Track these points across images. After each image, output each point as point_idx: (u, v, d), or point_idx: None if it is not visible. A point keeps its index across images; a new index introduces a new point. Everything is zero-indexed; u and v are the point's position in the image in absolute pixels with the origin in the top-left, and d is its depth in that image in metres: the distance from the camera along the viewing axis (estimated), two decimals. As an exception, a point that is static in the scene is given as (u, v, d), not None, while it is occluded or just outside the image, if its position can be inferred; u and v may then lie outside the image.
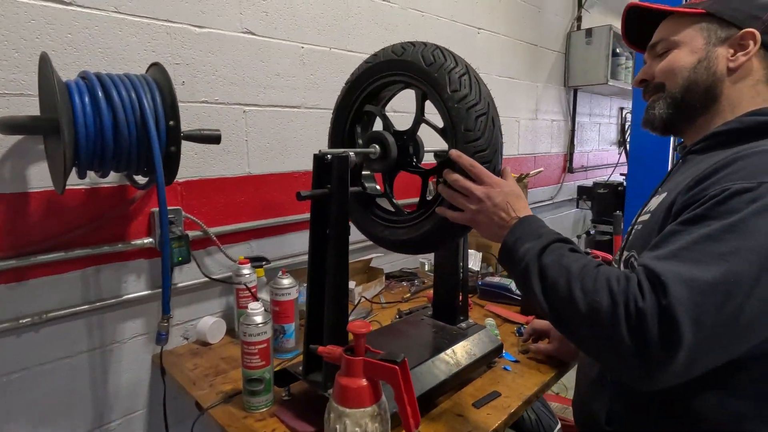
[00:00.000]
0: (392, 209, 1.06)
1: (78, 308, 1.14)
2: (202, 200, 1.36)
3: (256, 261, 1.43)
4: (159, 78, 0.99)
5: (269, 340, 1.00)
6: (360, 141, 1.07)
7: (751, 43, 0.80)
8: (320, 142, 1.63)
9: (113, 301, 1.20)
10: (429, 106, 0.93)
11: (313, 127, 1.61)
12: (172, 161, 0.99)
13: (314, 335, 0.95)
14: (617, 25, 3.13)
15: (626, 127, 3.79)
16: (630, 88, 3.07)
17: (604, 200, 2.88)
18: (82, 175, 0.97)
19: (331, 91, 1.64)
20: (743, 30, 0.80)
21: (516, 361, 1.22)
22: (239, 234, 1.45)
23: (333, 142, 1.10)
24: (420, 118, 0.96)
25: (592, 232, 2.97)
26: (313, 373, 0.97)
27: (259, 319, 0.98)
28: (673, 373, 0.59)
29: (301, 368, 0.98)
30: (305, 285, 1.47)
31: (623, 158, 3.53)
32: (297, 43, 1.53)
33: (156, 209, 1.24)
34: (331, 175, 0.88)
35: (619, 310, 0.61)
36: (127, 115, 0.91)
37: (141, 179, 1.13)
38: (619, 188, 2.82)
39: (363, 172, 1.09)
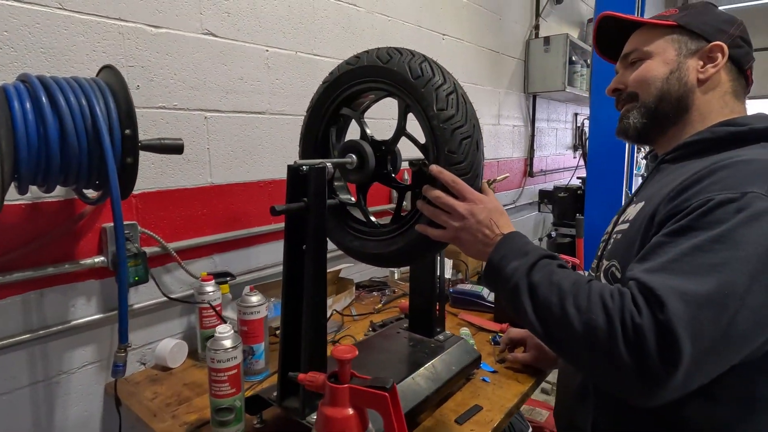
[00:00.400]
0: (363, 219, 1.01)
1: (18, 338, 1.02)
2: (160, 213, 1.26)
3: (221, 277, 1.35)
4: (112, 82, 0.90)
5: (240, 365, 0.93)
6: (334, 147, 1.02)
7: (720, 55, 0.82)
8: (287, 150, 1.56)
9: (59, 327, 1.09)
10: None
11: (279, 133, 1.54)
12: (128, 174, 0.90)
13: (290, 359, 0.89)
14: (573, 34, 3.25)
15: (582, 132, 3.94)
16: (585, 94, 3.19)
17: (564, 204, 2.96)
18: (23, 191, 0.87)
19: (297, 97, 1.58)
20: (712, 43, 0.83)
21: (494, 372, 1.21)
22: (202, 248, 1.36)
23: (305, 146, 1.04)
24: (402, 130, 0.92)
25: (554, 234, 3.05)
26: (289, 398, 0.91)
27: (228, 343, 0.91)
28: (673, 389, 0.59)
29: (275, 393, 0.92)
30: (274, 300, 1.42)
31: (580, 162, 3.66)
32: (261, 45, 1.46)
33: (108, 224, 1.14)
34: (307, 187, 0.82)
35: (615, 327, 0.60)
36: (76, 123, 0.82)
37: (92, 193, 1.03)
38: (579, 192, 2.91)
39: (336, 183, 1.04)
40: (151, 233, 1.23)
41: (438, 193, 0.81)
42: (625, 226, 0.83)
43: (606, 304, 0.62)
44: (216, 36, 1.34)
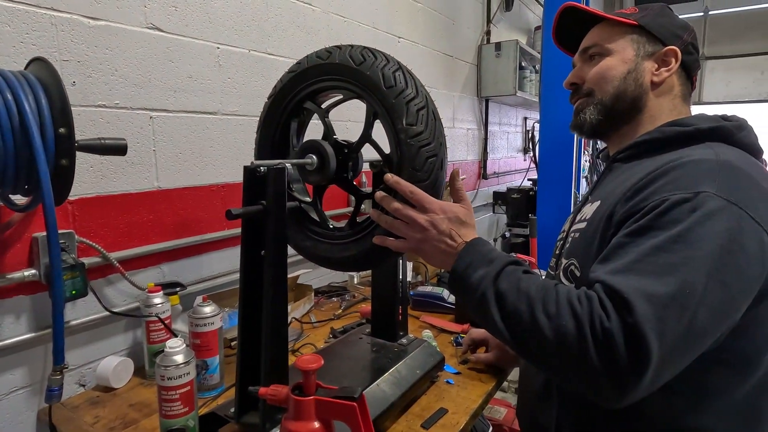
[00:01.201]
0: (317, 220, 0.98)
1: (-68, 363, 0.91)
2: (100, 221, 1.16)
3: (170, 287, 1.26)
4: (44, 76, 0.81)
5: (193, 381, 0.86)
6: (294, 139, 0.98)
7: (673, 60, 0.86)
8: (241, 152, 1.49)
9: (-17, 349, 0.97)
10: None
11: (232, 135, 1.47)
12: (63, 177, 0.82)
13: (249, 372, 0.84)
14: (522, 40, 3.36)
15: (531, 135, 4.08)
16: (535, 99, 3.31)
17: (517, 205, 3.05)
18: (-65, 196, 0.77)
19: (251, 97, 1.51)
20: (667, 47, 0.86)
21: (457, 373, 1.20)
22: (148, 257, 1.27)
23: (262, 135, 0.99)
24: (368, 137, 0.89)
25: (508, 234, 3.13)
26: (248, 414, 0.86)
27: (180, 358, 0.85)
28: (643, 388, 0.60)
29: (232, 409, 0.87)
30: (228, 310, 1.35)
31: (531, 164, 3.79)
32: (212, 43, 1.39)
33: (40, 234, 1.03)
34: (265, 189, 0.78)
35: (585, 332, 0.60)
36: (1, 120, 0.73)
37: (21, 199, 0.93)
38: (531, 193, 3.01)
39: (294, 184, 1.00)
40: (90, 242, 1.13)
41: (397, 205, 0.79)
42: (583, 225, 0.84)
43: (575, 309, 0.62)
44: (162, 31, 1.26)
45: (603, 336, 0.59)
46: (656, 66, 0.87)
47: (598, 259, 0.70)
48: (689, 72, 0.89)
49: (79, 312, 1.14)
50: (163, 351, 0.85)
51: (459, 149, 3.00)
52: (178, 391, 0.83)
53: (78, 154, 0.86)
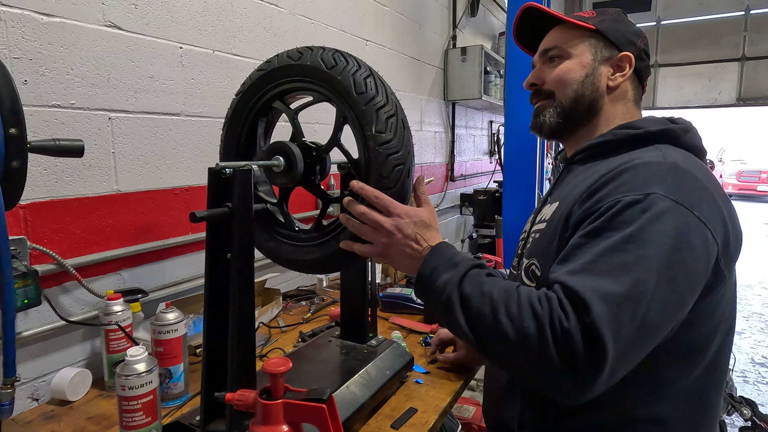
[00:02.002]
0: (282, 221, 0.97)
1: None
2: (55, 226, 1.11)
3: (131, 294, 1.22)
4: (-9, 74, 0.77)
5: (155, 390, 0.84)
6: (260, 140, 0.96)
7: (627, 66, 0.89)
8: (206, 154, 1.46)
9: (-76, 364, 0.91)
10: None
11: (196, 137, 1.44)
12: (14, 180, 0.77)
13: (215, 378, 0.82)
14: (487, 45, 3.44)
15: (497, 138, 4.18)
16: (500, 103, 3.39)
17: (483, 206, 3.11)
18: None
19: (215, 98, 1.48)
20: (622, 53, 0.89)
21: (426, 373, 1.22)
22: (107, 264, 1.22)
23: (229, 131, 0.97)
24: (336, 141, 0.88)
25: (475, 235, 3.19)
26: (214, 421, 0.84)
27: (141, 367, 0.82)
28: (601, 384, 0.63)
29: (197, 418, 0.84)
30: (193, 316, 1.31)
31: (497, 167, 3.87)
32: (174, 42, 1.35)
33: (-11, 240, 0.98)
34: (231, 191, 0.77)
35: (546, 333, 0.62)
36: (-58, 120, 0.69)
37: (-35, 203, 0.87)
38: (496, 195, 3.08)
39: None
40: (44, 249, 1.08)
41: (363, 209, 0.79)
42: (542, 225, 0.87)
43: (535, 310, 0.65)
44: (121, 29, 1.22)
45: (562, 335, 0.62)
46: (612, 71, 0.90)
47: (557, 260, 0.73)
48: (641, 77, 0.93)
49: (32, 322, 1.08)
50: (123, 360, 0.82)
51: (427, 152, 3.04)
52: (140, 400, 0.81)
53: (30, 156, 0.82)
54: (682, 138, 0.82)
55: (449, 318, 0.72)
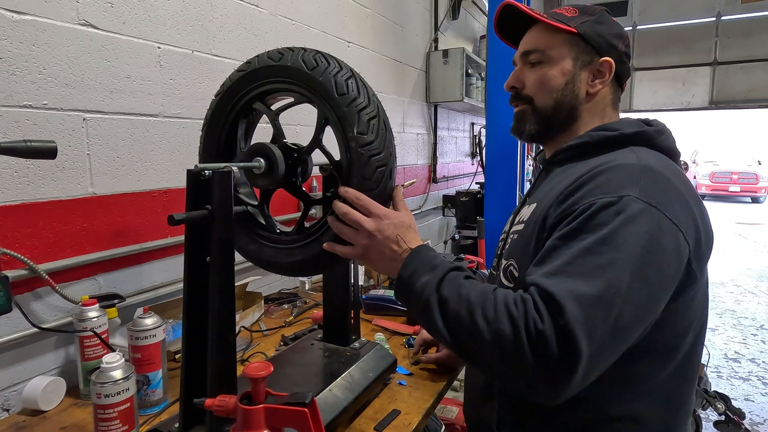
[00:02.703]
0: (263, 223, 0.96)
1: None
2: (26, 230, 1.08)
3: (107, 299, 1.19)
4: (-43, 73, 0.74)
5: (133, 398, 0.82)
6: (241, 141, 0.95)
7: (608, 73, 0.89)
8: (185, 156, 1.44)
9: None
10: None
11: (175, 138, 1.41)
12: (-19, 182, 0.75)
13: (194, 384, 0.80)
14: (468, 48, 3.47)
15: (478, 140, 4.22)
16: (481, 105, 3.42)
17: (466, 207, 3.14)
18: None
19: (195, 99, 1.46)
20: (602, 58, 0.88)
21: (410, 374, 1.22)
22: (82, 269, 1.19)
23: (209, 131, 0.95)
24: (318, 143, 0.88)
25: (457, 237, 3.21)
26: (193, 428, 0.82)
27: (118, 374, 0.80)
28: (575, 385, 0.63)
29: (176, 425, 0.83)
30: (172, 322, 1.29)
31: (478, 168, 3.91)
32: (152, 42, 1.33)
33: (-44, 245, 0.94)
34: (210, 193, 0.76)
35: (521, 335, 0.63)
36: None
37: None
38: (478, 196, 3.11)
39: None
40: (15, 254, 1.05)
41: (345, 209, 0.79)
42: (521, 226, 0.87)
43: (511, 312, 0.65)
44: (97, 28, 1.19)
45: (537, 337, 0.62)
46: (591, 77, 0.89)
47: (533, 262, 0.74)
48: (621, 79, 0.93)
49: (2, 329, 1.05)
50: (99, 367, 0.80)
51: (409, 154, 3.05)
52: (116, 408, 0.79)
53: (0, 158, 0.80)
54: (656, 140, 0.84)
55: (428, 320, 0.73)
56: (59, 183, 1.14)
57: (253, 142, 0.95)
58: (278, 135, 0.89)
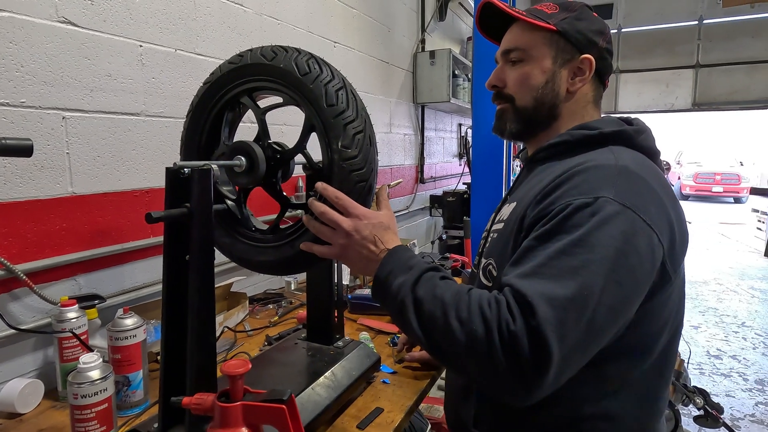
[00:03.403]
0: (239, 217, 0.96)
1: None
2: (3, 230, 1.06)
3: (87, 300, 1.18)
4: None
5: (111, 398, 0.81)
6: (224, 139, 0.95)
7: (588, 70, 0.88)
8: (167, 156, 1.43)
9: None
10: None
11: (157, 137, 1.40)
12: (-46, 180, 0.74)
13: (173, 383, 0.80)
14: (455, 49, 3.49)
15: (465, 141, 4.24)
16: (468, 106, 3.44)
17: (452, 207, 3.15)
18: None
19: (178, 98, 1.45)
20: (583, 56, 0.88)
21: (394, 373, 1.22)
22: (61, 269, 1.17)
23: (191, 123, 0.95)
24: (301, 148, 0.87)
25: (444, 237, 3.22)
26: (173, 428, 0.81)
27: (95, 374, 0.80)
28: (547, 386, 0.64)
29: (155, 425, 0.82)
30: (154, 322, 1.28)
31: (465, 169, 3.93)
32: (134, 40, 1.32)
33: (-71, 245, 0.93)
34: (190, 191, 0.75)
35: (493, 336, 0.63)
36: None
37: None
38: (465, 196, 3.12)
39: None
40: (-8, 253, 1.03)
41: (323, 208, 0.79)
42: (500, 225, 0.88)
43: (484, 313, 0.66)
44: (76, 26, 1.18)
45: (509, 338, 0.63)
46: (572, 75, 0.89)
47: (510, 262, 0.74)
48: (602, 76, 0.92)
49: (-22, 331, 1.03)
50: (76, 368, 0.79)
51: (396, 154, 3.06)
52: (94, 409, 0.78)
53: (-27, 155, 0.79)
54: (635, 139, 0.84)
55: (403, 320, 0.73)
56: (38, 182, 1.12)
57: (237, 139, 0.94)
58: (263, 134, 0.89)
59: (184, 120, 0.96)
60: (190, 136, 0.96)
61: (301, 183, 1.97)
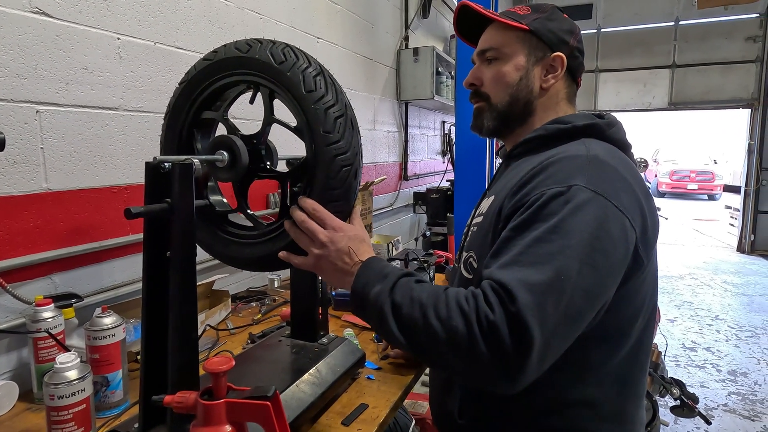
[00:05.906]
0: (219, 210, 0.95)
1: None
2: (-26, 226, 1.03)
3: (63, 299, 1.14)
4: None
5: (89, 399, 0.79)
6: (199, 147, 0.93)
7: (560, 68, 0.92)
8: (147, 151, 1.40)
9: None
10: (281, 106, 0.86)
11: (136, 132, 1.37)
12: None
13: (154, 382, 0.78)
14: (439, 47, 3.50)
15: (449, 138, 4.26)
16: (451, 103, 3.46)
17: (436, 204, 3.16)
18: None
19: (157, 93, 1.42)
20: (554, 54, 0.92)
21: (378, 369, 1.22)
22: (35, 267, 1.14)
23: (171, 119, 0.93)
24: (270, 117, 0.86)
25: (428, 233, 3.23)
26: (154, 428, 0.80)
27: (72, 374, 0.78)
28: (531, 372, 0.65)
29: (136, 425, 0.80)
30: (134, 321, 1.25)
31: (449, 166, 3.95)
32: (111, 32, 1.28)
33: None
34: (170, 186, 0.74)
35: (473, 329, 0.64)
36: None
37: None
38: (449, 193, 3.14)
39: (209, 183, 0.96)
40: (-38, 251, 1.00)
41: (303, 217, 0.80)
42: (480, 219, 0.90)
43: (463, 308, 0.67)
44: (50, 16, 1.14)
45: (488, 328, 0.63)
46: (544, 72, 0.92)
47: (489, 254, 0.76)
48: (574, 75, 0.96)
49: (-52, 332, 0.99)
50: (52, 369, 0.77)
51: (380, 151, 3.05)
52: (71, 410, 0.76)
53: (-59, 149, 0.76)
54: (606, 132, 0.87)
55: (384, 328, 0.74)
56: (10, 178, 1.09)
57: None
58: (233, 130, 0.88)
59: (162, 123, 0.94)
60: (168, 138, 0.94)
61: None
